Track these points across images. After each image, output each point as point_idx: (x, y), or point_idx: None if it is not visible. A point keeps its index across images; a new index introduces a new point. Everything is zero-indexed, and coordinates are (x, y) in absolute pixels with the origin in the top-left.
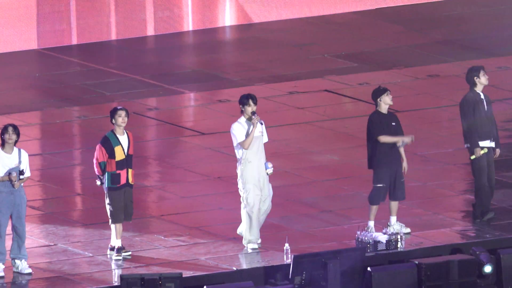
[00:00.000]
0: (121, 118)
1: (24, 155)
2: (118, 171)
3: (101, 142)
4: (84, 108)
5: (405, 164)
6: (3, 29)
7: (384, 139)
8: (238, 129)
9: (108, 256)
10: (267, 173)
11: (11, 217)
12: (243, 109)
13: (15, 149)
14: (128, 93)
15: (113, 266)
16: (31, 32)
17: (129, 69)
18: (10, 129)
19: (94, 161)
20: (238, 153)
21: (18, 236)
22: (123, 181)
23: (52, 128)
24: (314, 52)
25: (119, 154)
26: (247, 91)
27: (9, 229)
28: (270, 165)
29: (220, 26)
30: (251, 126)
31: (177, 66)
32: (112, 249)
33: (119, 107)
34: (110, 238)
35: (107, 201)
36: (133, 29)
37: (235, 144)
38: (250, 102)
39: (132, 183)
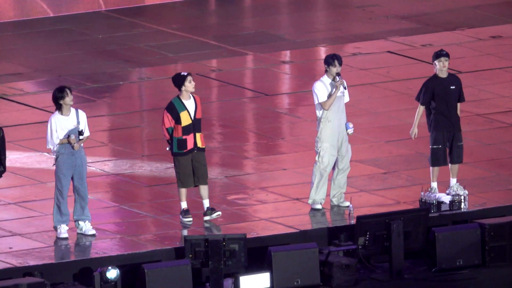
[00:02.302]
0: (192, 84)
1: (82, 115)
2: (184, 137)
3: (166, 108)
4: (147, 69)
5: None
6: None
7: (420, 108)
8: (321, 88)
9: (181, 218)
10: (348, 133)
11: (72, 178)
12: (327, 69)
13: (72, 110)
14: (191, 54)
15: (178, 227)
16: None
17: (192, 31)
18: (68, 91)
19: (162, 127)
20: (319, 112)
21: (81, 198)
22: (190, 146)
23: (116, 89)
24: (377, 13)
25: (185, 120)
26: (309, 53)
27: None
28: (351, 125)
29: None
30: (334, 88)
31: (239, 28)
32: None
33: (185, 73)
34: (174, 200)
35: (175, 166)
36: None
37: (316, 102)
38: (336, 62)
39: (203, 147)
